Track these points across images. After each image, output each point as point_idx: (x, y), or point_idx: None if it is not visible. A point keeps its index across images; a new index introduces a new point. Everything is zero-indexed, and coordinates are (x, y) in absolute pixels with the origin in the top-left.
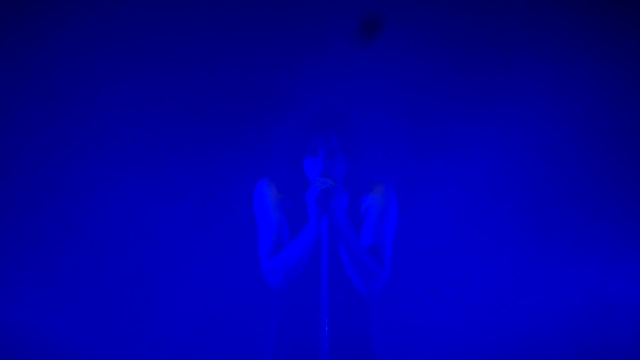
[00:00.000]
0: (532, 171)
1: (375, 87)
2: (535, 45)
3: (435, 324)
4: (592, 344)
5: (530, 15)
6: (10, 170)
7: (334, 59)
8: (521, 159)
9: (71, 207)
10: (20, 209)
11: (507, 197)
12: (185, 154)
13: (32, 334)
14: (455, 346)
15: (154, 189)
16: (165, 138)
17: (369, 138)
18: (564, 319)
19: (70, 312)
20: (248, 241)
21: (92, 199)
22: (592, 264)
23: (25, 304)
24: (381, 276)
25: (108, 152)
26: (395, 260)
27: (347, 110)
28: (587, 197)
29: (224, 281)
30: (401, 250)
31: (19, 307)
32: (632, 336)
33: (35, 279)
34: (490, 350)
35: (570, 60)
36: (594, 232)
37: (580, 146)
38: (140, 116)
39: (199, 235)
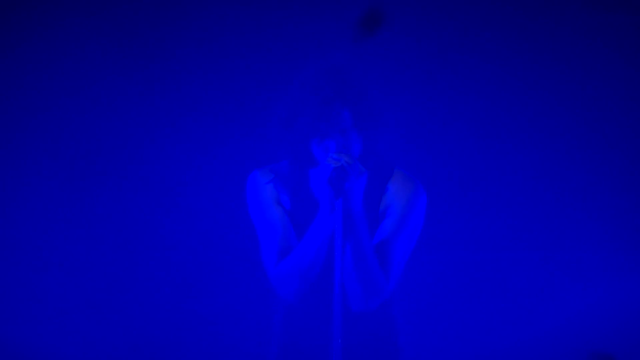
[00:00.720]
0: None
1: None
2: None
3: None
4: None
5: None
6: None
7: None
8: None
9: (66, 205)
10: (16, 208)
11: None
12: (180, 148)
13: (27, 335)
14: None
15: (144, 186)
16: (158, 133)
17: (388, 110)
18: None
19: (66, 313)
20: (249, 239)
21: (85, 197)
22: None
23: (22, 305)
24: (382, 291)
25: (101, 149)
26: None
27: (357, 74)
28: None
29: (222, 285)
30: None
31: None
32: None
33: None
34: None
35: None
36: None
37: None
38: (130, 109)
39: (196, 234)
